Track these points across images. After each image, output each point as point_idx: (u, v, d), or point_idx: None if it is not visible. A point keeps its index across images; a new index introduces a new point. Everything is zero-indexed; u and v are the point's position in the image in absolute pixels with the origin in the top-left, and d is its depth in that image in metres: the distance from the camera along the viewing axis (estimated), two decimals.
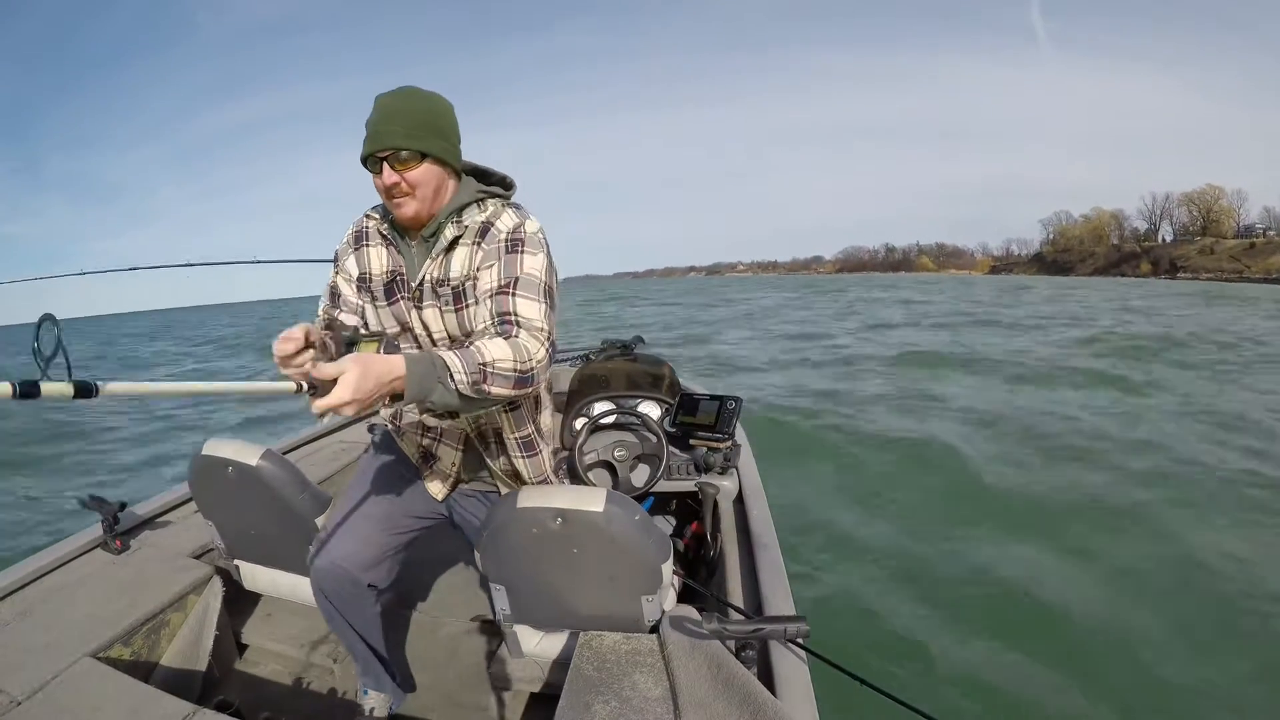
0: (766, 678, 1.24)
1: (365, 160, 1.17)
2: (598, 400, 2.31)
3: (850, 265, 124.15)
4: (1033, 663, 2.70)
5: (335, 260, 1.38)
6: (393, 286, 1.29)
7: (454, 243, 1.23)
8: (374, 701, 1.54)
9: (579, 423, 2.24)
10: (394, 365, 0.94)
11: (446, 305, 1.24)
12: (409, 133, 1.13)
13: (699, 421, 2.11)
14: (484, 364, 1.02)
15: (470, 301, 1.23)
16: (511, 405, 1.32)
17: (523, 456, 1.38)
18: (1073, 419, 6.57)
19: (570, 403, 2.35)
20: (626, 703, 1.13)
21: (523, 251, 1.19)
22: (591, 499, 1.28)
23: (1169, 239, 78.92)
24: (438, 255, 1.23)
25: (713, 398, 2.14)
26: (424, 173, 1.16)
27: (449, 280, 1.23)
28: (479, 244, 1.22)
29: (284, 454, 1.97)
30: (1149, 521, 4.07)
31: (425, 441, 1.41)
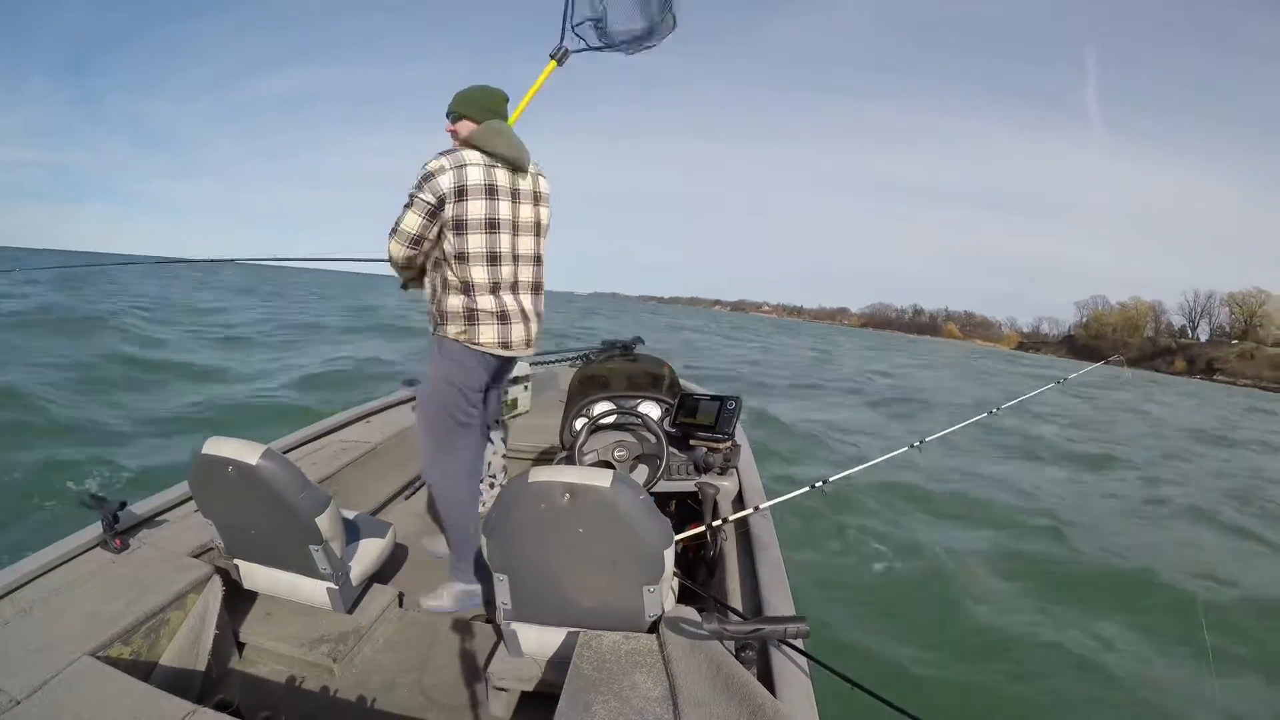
0: (766, 678, 1.24)
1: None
2: (598, 401, 2.31)
3: (876, 321, 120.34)
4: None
5: None
6: None
7: None
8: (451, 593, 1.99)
9: (579, 423, 2.24)
10: None
11: None
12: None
13: (699, 422, 2.11)
14: None
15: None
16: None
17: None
18: None
19: (570, 403, 2.35)
20: (626, 702, 1.13)
21: (413, 189, 1.85)
22: (600, 476, 1.31)
23: (1204, 339, 75.80)
24: None
25: (712, 398, 2.14)
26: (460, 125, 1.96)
27: None
28: None
29: (284, 453, 1.97)
30: None
31: None
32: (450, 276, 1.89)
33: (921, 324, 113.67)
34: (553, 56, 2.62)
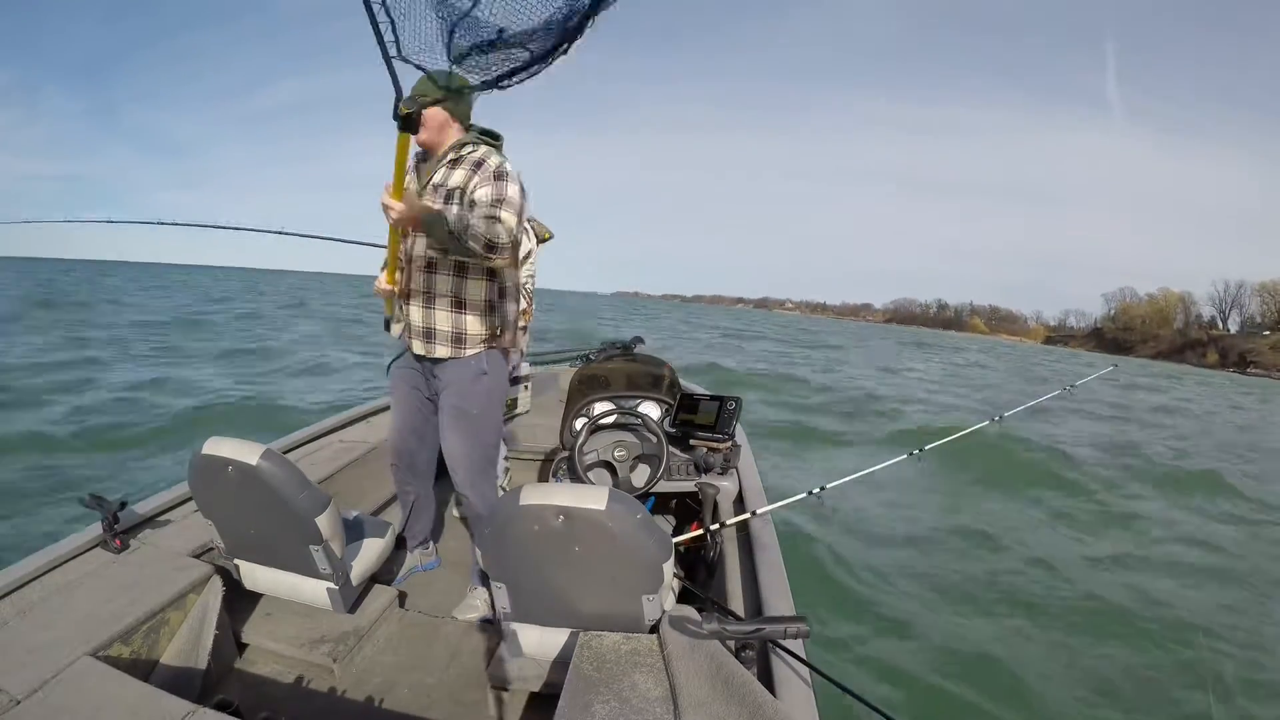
0: (766, 678, 1.24)
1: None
2: (598, 401, 2.31)
3: (900, 317, 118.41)
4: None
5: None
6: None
7: (454, 163, 1.81)
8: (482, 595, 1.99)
9: (579, 423, 2.24)
10: (422, 206, 1.64)
11: (438, 202, 1.78)
12: (426, 89, 1.66)
13: (699, 422, 2.11)
14: (468, 225, 1.62)
15: (455, 203, 1.77)
16: (459, 270, 1.81)
17: (450, 313, 1.84)
18: None
19: (570, 403, 2.35)
20: (626, 703, 1.13)
21: (506, 182, 1.74)
22: (594, 497, 1.29)
23: (1235, 330, 74.15)
24: (441, 168, 1.81)
25: (713, 398, 2.14)
26: (432, 114, 1.73)
27: (445, 185, 1.80)
28: (474, 171, 1.78)
29: (284, 453, 1.97)
30: None
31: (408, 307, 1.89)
32: (508, 283, 1.91)
33: (946, 319, 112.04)
34: (397, 120, 1.42)
